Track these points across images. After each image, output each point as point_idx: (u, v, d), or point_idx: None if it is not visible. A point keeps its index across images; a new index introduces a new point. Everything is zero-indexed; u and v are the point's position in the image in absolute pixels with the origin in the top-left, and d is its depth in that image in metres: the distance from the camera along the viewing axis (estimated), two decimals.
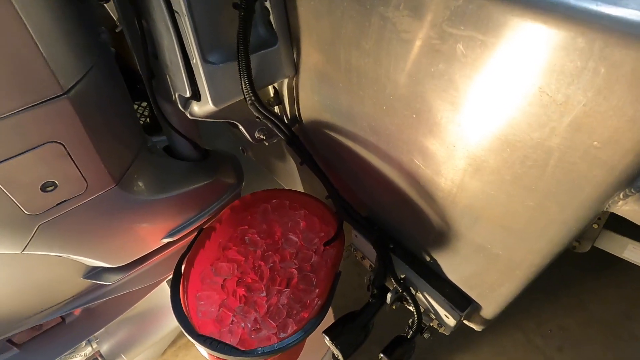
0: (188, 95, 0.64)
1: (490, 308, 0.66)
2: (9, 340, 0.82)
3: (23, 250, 0.63)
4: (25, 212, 0.59)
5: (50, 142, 0.55)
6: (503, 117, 0.40)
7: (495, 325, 1.66)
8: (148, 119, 2.05)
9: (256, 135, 0.80)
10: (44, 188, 0.58)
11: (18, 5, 0.43)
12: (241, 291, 0.82)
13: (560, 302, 1.76)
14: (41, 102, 0.51)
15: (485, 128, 0.43)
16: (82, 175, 0.62)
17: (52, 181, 0.59)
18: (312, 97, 0.71)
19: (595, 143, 0.34)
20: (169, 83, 0.68)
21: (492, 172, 0.45)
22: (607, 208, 0.38)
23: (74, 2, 0.56)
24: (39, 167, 0.56)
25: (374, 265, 0.86)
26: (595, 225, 1.07)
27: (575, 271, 1.84)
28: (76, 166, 0.60)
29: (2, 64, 0.46)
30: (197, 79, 0.62)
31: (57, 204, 0.62)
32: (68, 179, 0.61)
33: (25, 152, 0.53)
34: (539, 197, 0.42)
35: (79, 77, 0.55)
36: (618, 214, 0.38)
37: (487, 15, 0.35)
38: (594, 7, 0.28)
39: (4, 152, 0.52)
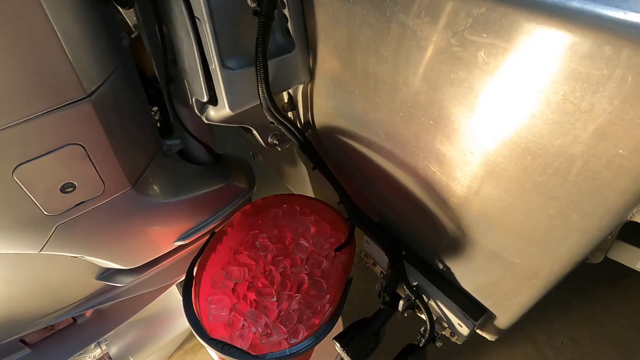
0: (205, 99, 0.65)
1: (504, 318, 0.65)
2: (22, 340, 0.83)
3: (40, 250, 0.64)
4: (45, 213, 0.60)
5: (71, 144, 0.57)
6: (524, 124, 0.40)
7: (505, 336, 1.64)
8: (158, 124, 2.08)
9: (269, 140, 0.80)
10: (63, 189, 0.59)
11: (48, 9, 0.44)
12: (252, 296, 0.82)
13: (572, 314, 1.73)
14: (65, 105, 0.52)
15: (505, 135, 0.42)
16: (100, 177, 0.63)
17: (72, 182, 0.60)
18: (327, 102, 0.71)
19: (621, 151, 0.33)
20: (187, 88, 0.69)
21: (512, 179, 0.45)
22: (631, 217, 0.38)
23: (99, 7, 0.57)
24: (60, 168, 0.57)
25: (385, 272, 0.85)
26: (608, 236, 1.05)
27: (587, 283, 1.80)
28: (95, 168, 0.61)
29: (31, 67, 0.47)
30: (214, 84, 0.63)
31: (75, 205, 0.63)
32: (87, 181, 0.62)
33: (47, 153, 0.54)
34: (560, 206, 0.42)
35: (101, 80, 0.56)
36: None
37: (511, 23, 0.35)
38: (621, 15, 0.28)
39: (27, 153, 0.53)
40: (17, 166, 0.53)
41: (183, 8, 0.55)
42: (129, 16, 0.86)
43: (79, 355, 1.01)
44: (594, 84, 0.32)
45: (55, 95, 0.51)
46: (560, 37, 0.32)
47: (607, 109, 0.32)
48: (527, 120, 0.39)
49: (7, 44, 0.44)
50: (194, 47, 0.59)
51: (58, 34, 0.46)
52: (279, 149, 0.84)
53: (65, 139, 0.56)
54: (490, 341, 0.74)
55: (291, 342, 0.74)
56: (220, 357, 0.69)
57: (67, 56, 0.48)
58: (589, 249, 0.43)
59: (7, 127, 0.49)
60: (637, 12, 0.28)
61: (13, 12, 0.42)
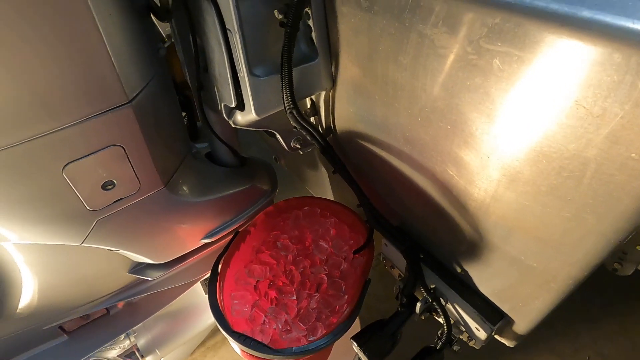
0: (233, 105, 0.69)
1: (523, 323, 0.65)
2: (61, 327, 0.90)
3: (82, 243, 0.70)
4: (87, 208, 0.65)
5: (112, 145, 0.62)
6: (539, 129, 0.41)
7: (529, 348, 1.60)
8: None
9: (292, 144, 0.84)
10: (104, 186, 0.65)
11: (99, 21, 0.49)
12: (273, 293, 0.85)
13: (601, 328, 1.66)
14: (109, 109, 0.57)
15: (520, 140, 0.44)
16: (137, 176, 0.68)
17: (112, 180, 0.65)
18: (348, 108, 0.74)
19: (633, 155, 0.34)
20: (216, 94, 0.74)
21: (527, 182, 0.46)
22: None
23: (141, 18, 0.63)
24: (102, 167, 0.63)
25: (403, 275, 0.86)
26: (639, 247, 1.02)
27: (619, 296, 1.73)
28: (132, 168, 0.66)
29: (82, 75, 0.53)
30: (242, 91, 0.67)
31: (114, 202, 0.68)
32: (125, 179, 0.67)
33: (92, 153, 0.60)
34: (575, 208, 0.43)
35: (141, 87, 0.61)
36: None
37: (524, 33, 0.37)
38: (630, 24, 0.30)
39: (75, 153, 0.59)
40: (66, 164, 0.58)
41: (215, 20, 0.60)
42: (162, 28, 0.92)
43: (109, 345, 1.07)
44: (605, 89, 0.33)
45: (102, 100, 0.56)
46: (572, 46, 0.34)
47: (618, 114, 0.33)
48: (542, 124, 0.40)
49: (61, 53, 0.50)
50: (225, 56, 0.63)
51: (107, 44, 0.52)
52: (301, 153, 0.87)
53: (108, 140, 0.61)
54: (512, 350, 0.73)
55: (310, 339, 0.77)
56: (242, 350, 0.72)
57: (114, 64, 0.54)
58: (605, 253, 0.44)
59: (61, 129, 0.55)
60: None
61: (67, 23, 0.48)
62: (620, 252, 1.04)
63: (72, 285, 0.81)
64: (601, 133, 0.36)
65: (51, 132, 0.53)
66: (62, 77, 0.51)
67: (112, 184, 0.66)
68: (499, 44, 0.40)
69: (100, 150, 0.60)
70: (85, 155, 0.59)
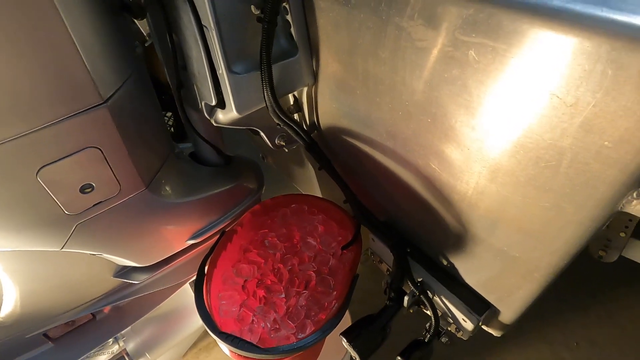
0: (214, 103, 0.68)
1: (508, 312, 0.66)
2: (45, 335, 0.88)
3: (62, 248, 0.68)
4: (66, 212, 0.64)
5: (89, 147, 0.60)
6: (515, 120, 0.41)
7: (519, 336, 1.63)
8: (172, 128, 2.14)
9: (276, 141, 0.83)
10: (82, 190, 0.63)
11: (67, 20, 0.48)
12: (261, 292, 0.84)
13: (589, 315, 1.69)
14: (84, 110, 0.56)
15: (498, 130, 0.44)
16: (116, 178, 0.67)
17: (90, 183, 0.64)
18: (331, 104, 0.74)
19: (607, 143, 0.35)
20: (196, 92, 0.72)
21: (507, 174, 0.46)
22: (621, 207, 0.39)
23: (113, 17, 0.61)
24: (79, 170, 0.61)
25: (391, 269, 0.87)
26: (622, 234, 1.04)
27: (604, 283, 1.76)
28: (111, 170, 0.65)
29: (52, 75, 0.51)
30: (222, 88, 0.66)
31: (94, 205, 0.67)
32: (104, 182, 0.65)
33: (67, 156, 0.58)
34: (554, 198, 0.43)
35: (116, 87, 0.60)
36: (632, 213, 0.38)
37: (497, 23, 0.37)
38: (599, 12, 0.30)
39: (49, 156, 0.57)
40: (40, 168, 0.57)
41: (191, 17, 0.59)
42: (143, 26, 0.90)
43: (97, 350, 1.06)
44: (577, 78, 0.33)
45: (75, 101, 0.55)
46: (544, 35, 0.34)
47: (590, 102, 0.33)
48: (518, 115, 0.40)
49: (29, 54, 0.48)
50: (202, 53, 0.62)
51: (76, 43, 0.50)
52: (286, 150, 0.86)
53: (84, 142, 0.59)
54: (504, 341, 0.74)
55: (299, 336, 0.76)
56: (230, 351, 0.72)
57: (85, 64, 0.52)
58: (584, 240, 0.44)
59: (32, 131, 0.53)
60: (612, 9, 0.29)
61: (33, 23, 0.46)
62: (605, 239, 1.06)
63: (54, 291, 0.79)
64: (575, 122, 0.36)
65: (22, 136, 0.52)
66: (30, 78, 0.49)
67: (91, 187, 0.64)
68: (474, 36, 0.39)
69: (76, 152, 0.59)
70: (61, 158, 0.58)
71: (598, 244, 1.05)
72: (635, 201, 0.37)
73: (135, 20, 0.87)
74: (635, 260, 1.07)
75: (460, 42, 0.41)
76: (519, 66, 0.37)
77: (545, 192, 0.43)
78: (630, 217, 0.96)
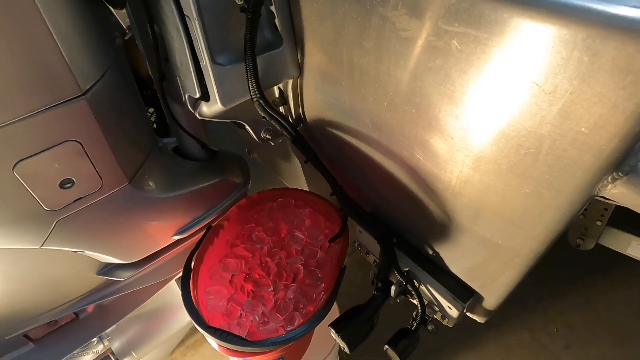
0: (197, 95, 0.67)
1: (492, 298, 0.68)
2: (25, 336, 0.85)
3: (42, 245, 0.66)
4: (45, 208, 0.62)
5: (68, 140, 0.59)
6: (497, 108, 0.42)
7: (501, 323, 1.68)
8: (155, 125, 2.11)
9: (262, 135, 0.83)
10: (62, 185, 0.61)
11: (42, 8, 0.46)
12: (249, 286, 0.84)
13: (567, 301, 1.76)
14: (61, 103, 0.54)
15: (480, 119, 0.45)
16: (98, 173, 0.65)
17: (70, 178, 0.62)
18: (316, 96, 0.74)
19: (583, 129, 0.36)
20: (179, 85, 0.71)
21: (489, 162, 0.48)
22: (597, 192, 0.40)
23: (92, 6, 0.59)
24: (58, 164, 0.59)
25: (378, 260, 0.88)
26: (598, 222, 1.08)
27: (582, 271, 1.84)
28: (92, 164, 0.63)
29: (27, 66, 0.49)
30: (206, 80, 0.65)
31: (74, 201, 0.65)
32: (84, 177, 0.64)
33: (45, 150, 0.56)
34: (534, 184, 0.44)
35: (96, 78, 0.58)
36: (608, 197, 0.40)
37: (479, 12, 0.37)
38: (576, 1, 0.31)
39: (26, 150, 0.55)
40: (17, 162, 0.55)
41: (173, 7, 0.57)
42: (122, 18, 0.88)
43: (81, 350, 1.03)
44: (555, 66, 0.34)
45: (52, 93, 0.53)
46: (523, 24, 0.35)
47: (568, 90, 0.35)
48: (499, 103, 0.41)
49: (3, 43, 0.47)
50: (185, 44, 0.61)
51: (53, 33, 0.48)
52: (272, 144, 0.86)
53: (63, 135, 0.58)
54: (487, 328, 0.76)
55: (287, 329, 0.77)
56: (219, 345, 0.71)
57: (63, 55, 0.50)
58: (562, 225, 0.46)
59: (6, 124, 0.51)
60: None
61: (8, 12, 0.44)
62: (582, 227, 1.10)
63: (34, 290, 0.77)
64: (553, 110, 0.37)
65: None
66: (6, 69, 0.47)
67: (71, 182, 0.62)
68: (456, 25, 0.40)
69: (54, 146, 0.57)
70: (38, 152, 0.56)
71: (576, 232, 1.09)
72: (610, 185, 0.39)
73: (114, 12, 0.84)
74: (610, 247, 1.12)
75: (443, 31, 0.42)
76: (501, 55, 0.38)
77: (526, 179, 0.45)
78: (606, 205, 1.00)
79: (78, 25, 0.55)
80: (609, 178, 0.38)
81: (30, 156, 0.55)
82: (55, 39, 0.49)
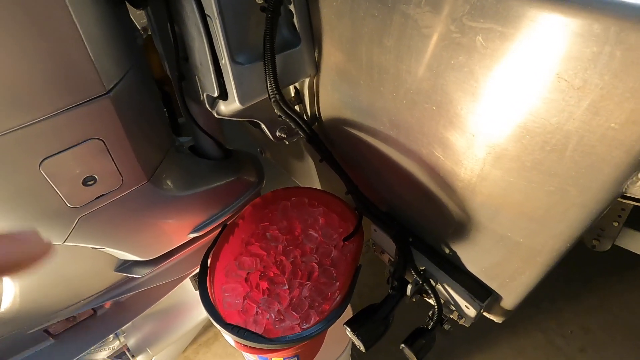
0: (216, 94, 0.68)
1: (510, 298, 0.67)
2: (46, 331, 0.87)
3: (64, 241, 0.67)
4: (68, 205, 0.63)
5: (92, 138, 0.60)
6: (522, 105, 0.42)
7: (515, 325, 1.66)
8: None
9: (277, 134, 0.83)
10: (85, 182, 0.63)
11: (72, 9, 0.47)
12: (264, 284, 0.85)
13: (582, 303, 1.73)
14: (86, 101, 0.55)
15: (504, 116, 0.45)
16: (119, 171, 0.66)
17: (92, 176, 0.63)
18: (333, 95, 0.74)
19: (613, 125, 0.35)
20: (198, 84, 0.72)
21: (512, 159, 0.47)
22: (625, 189, 0.40)
23: (116, 6, 0.60)
24: (82, 162, 0.61)
25: (392, 259, 0.87)
26: (615, 223, 1.06)
27: (597, 272, 1.81)
28: (114, 162, 0.64)
29: (55, 65, 0.50)
30: (225, 79, 0.65)
31: (96, 198, 0.66)
32: (106, 174, 0.65)
33: (70, 147, 0.58)
34: (559, 182, 0.44)
35: (119, 77, 0.59)
36: (636, 195, 0.39)
37: (506, 8, 0.37)
38: None
39: (52, 147, 0.56)
40: (43, 160, 0.56)
41: (194, 7, 0.58)
42: (137, 19, 0.89)
43: (99, 346, 1.05)
44: (585, 61, 0.34)
45: (78, 92, 0.54)
46: (553, 19, 0.34)
47: (598, 85, 0.34)
48: (525, 100, 0.41)
49: (35, 44, 0.48)
50: (205, 43, 0.62)
51: (81, 34, 0.49)
52: (287, 143, 0.86)
53: (87, 133, 0.59)
54: (500, 330, 0.75)
55: (303, 326, 0.77)
56: (236, 342, 0.72)
57: (89, 55, 0.52)
58: (587, 223, 0.45)
59: (34, 122, 0.52)
60: None
61: (41, 14, 0.45)
62: (598, 228, 1.08)
63: (55, 286, 0.78)
64: (582, 105, 0.36)
65: (25, 126, 0.51)
66: (35, 68, 0.49)
67: (94, 179, 0.63)
68: (482, 21, 0.40)
69: (79, 144, 0.58)
70: (63, 150, 0.57)
71: (592, 233, 1.08)
72: (639, 182, 0.38)
73: (131, 14, 0.86)
74: (628, 248, 1.10)
75: (467, 27, 0.42)
76: (527, 50, 0.38)
77: (550, 176, 0.44)
78: (624, 206, 0.98)
79: (104, 26, 0.56)
80: (639, 175, 0.38)
81: (56, 154, 0.57)
82: (83, 39, 0.50)
